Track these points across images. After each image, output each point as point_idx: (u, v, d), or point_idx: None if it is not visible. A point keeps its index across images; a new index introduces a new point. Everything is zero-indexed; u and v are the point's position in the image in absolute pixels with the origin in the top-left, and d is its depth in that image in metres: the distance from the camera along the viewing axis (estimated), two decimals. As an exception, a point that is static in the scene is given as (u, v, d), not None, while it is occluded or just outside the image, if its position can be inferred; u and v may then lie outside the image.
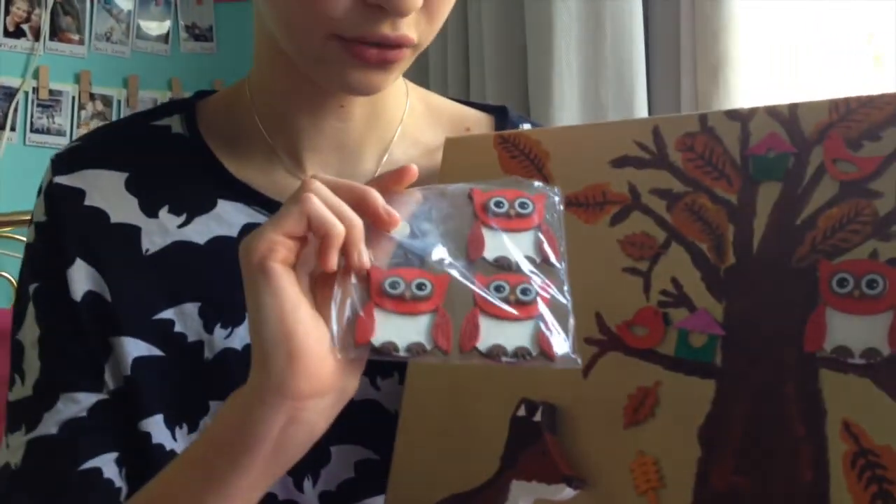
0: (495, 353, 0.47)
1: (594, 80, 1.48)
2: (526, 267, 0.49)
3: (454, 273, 0.49)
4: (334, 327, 0.48)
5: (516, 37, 1.59)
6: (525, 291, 0.48)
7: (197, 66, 2.37)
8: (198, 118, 0.70)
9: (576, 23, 1.48)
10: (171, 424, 0.63)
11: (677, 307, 0.54)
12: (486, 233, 0.50)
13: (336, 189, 0.49)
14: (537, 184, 0.51)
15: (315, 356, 0.47)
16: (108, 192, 0.66)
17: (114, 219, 0.65)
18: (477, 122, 0.74)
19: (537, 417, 0.55)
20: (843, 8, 1.44)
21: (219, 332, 0.63)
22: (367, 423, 0.62)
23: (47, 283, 0.65)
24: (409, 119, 0.71)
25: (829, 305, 0.50)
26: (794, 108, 0.53)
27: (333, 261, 0.48)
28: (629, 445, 0.52)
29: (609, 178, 0.58)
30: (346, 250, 0.48)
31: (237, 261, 0.64)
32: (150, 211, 0.65)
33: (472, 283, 0.48)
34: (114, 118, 2.27)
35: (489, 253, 0.49)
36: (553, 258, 0.49)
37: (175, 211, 0.65)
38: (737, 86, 1.36)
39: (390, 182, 0.51)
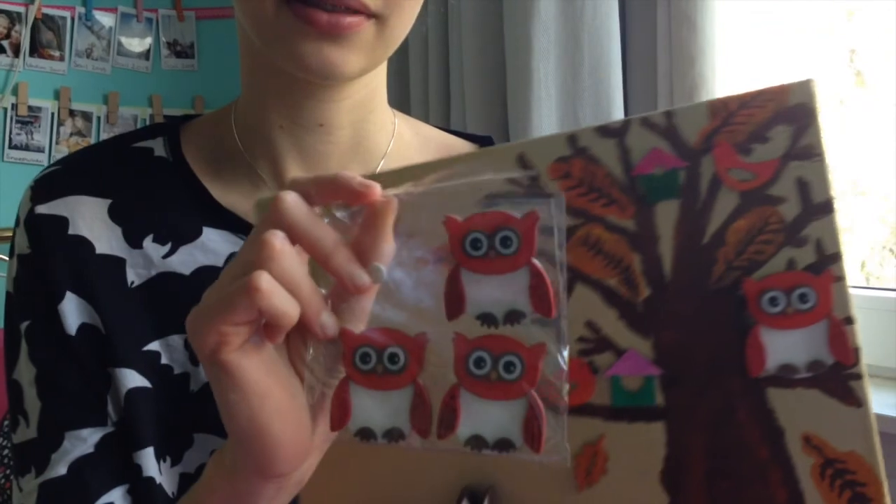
0: (475, 444, 0.42)
1: (572, 103, 1.49)
2: (513, 325, 0.42)
3: (432, 335, 0.43)
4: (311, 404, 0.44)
5: (496, 61, 1.60)
6: (509, 367, 0.42)
7: (178, 82, 2.36)
8: (182, 141, 0.69)
9: (554, 47, 1.49)
10: (158, 457, 0.62)
11: (601, 353, 0.49)
12: (466, 281, 0.43)
13: (297, 236, 0.42)
14: (532, 199, 0.43)
15: (292, 441, 0.44)
16: (91, 220, 0.64)
17: (99, 250, 0.64)
18: (464, 151, 0.74)
19: None
20: (825, 26, 1.46)
21: None
22: None
23: (39, 320, 0.63)
24: (395, 146, 0.70)
25: (764, 325, 0.47)
26: (670, 115, 0.49)
27: (280, 340, 0.43)
28: None
29: None
30: (306, 324, 0.42)
31: None
32: (135, 241, 0.64)
33: (452, 348, 0.42)
34: (93, 135, 2.26)
35: (471, 308, 0.43)
36: (545, 308, 0.42)
37: (160, 240, 0.64)
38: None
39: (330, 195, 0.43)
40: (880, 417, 1.26)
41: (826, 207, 0.47)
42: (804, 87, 0.47)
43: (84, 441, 0.61)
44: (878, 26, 1.43)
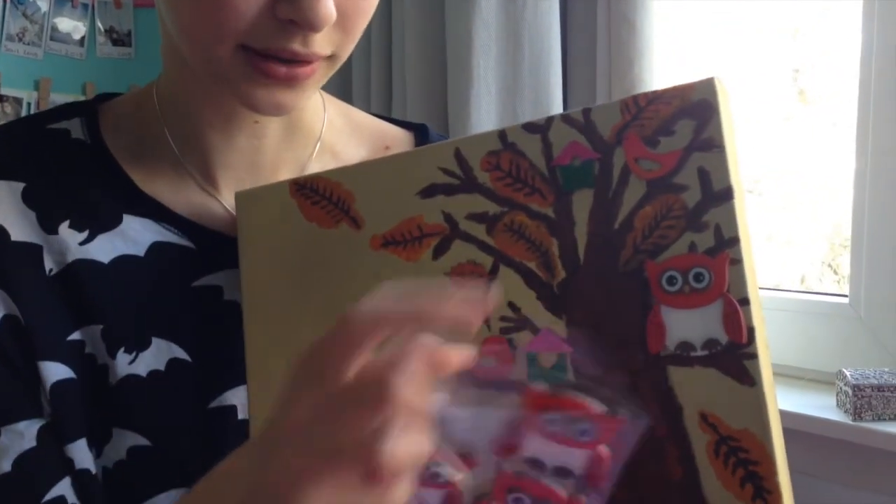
0: None
1: (512, 99, 1.50)
2: (558, 480, 0.46)
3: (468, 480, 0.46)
4: None
5: (437, 56, 1.60)
6: None
7: (113, 70, 2.31)
8: (101, 123, 0.65)
9: (494, 43, 1.49)
10: (90, 448, 0.60)
11: (519, 331, 0.53)
12: (528, 440, 0.47)
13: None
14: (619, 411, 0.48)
15: None
16: (4, 205, 0.61)
17: (14, 237, 0.60)
18: (397, 138, 0.73)
19: None
20: (767, 40, 1.49)
21: (122, 356, 0.60)
22: None
23: None
24: (327, 134, 0.68)
25: (664, 304, 0.50)
26: (587, 112, 0.53)
27: None
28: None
29: (422, 210, 0.56)
30: None
31: (143, 282, 0.61)
32: (50, 226, 0.61)
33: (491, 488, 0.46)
34: (23, 121, 2.20)
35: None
36: (599, 483, 0.46)
37: (76, 226, 0.61)
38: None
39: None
40: (817, 421, 1.28)
41: (725, 195, 0.49)
42: (707, 85, 0.50)
43: (21, 435, 0.58)
44: (821, 45, 1.46)
